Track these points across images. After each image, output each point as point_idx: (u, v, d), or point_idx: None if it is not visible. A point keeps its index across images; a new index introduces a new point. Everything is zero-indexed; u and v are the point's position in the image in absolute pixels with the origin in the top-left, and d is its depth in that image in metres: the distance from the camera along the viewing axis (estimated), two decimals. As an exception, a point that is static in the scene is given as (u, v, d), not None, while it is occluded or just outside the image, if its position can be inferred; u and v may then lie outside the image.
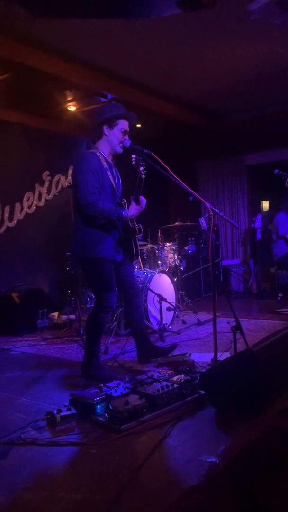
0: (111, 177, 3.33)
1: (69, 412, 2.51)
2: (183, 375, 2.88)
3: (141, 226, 3.45)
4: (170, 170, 3.11)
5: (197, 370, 3.17)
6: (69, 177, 6.32)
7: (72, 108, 5.57)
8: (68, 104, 5.49)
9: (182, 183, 3.09)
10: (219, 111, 6.74)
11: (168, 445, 2.20)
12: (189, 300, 5.77)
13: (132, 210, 3.29)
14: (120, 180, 3.50)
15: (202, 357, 3.63)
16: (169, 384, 2.70)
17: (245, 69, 5.15)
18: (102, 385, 2.77)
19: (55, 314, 5.58)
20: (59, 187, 6.25)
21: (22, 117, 5.62)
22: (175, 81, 5.45)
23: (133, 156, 3.20)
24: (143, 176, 3.18)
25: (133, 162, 3.19)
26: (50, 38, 4.07)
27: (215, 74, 5.28)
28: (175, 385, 2.70)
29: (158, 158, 3.13)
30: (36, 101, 5.35)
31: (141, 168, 3.17)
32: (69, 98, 5.37)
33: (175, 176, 3.12)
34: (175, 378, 2.82)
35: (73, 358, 4.12)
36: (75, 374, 3.47)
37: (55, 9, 1.40)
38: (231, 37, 4.30)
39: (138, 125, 6.19)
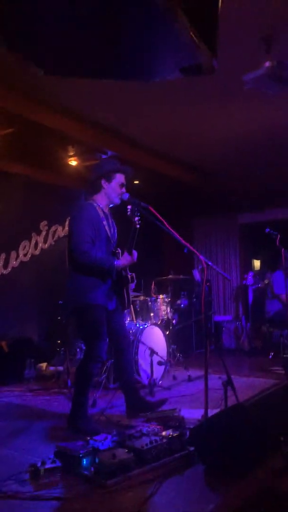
0: (106, 227, 3.43)
1: (53, 465, 2.42)
2: (172, 431, 2.80)
3: (134, 275, 3.51)
4: (165, 223, 3.21)
5: (187, 426, 3.09)
6: (66, 228, 6.45)
7: (73, 162, 5.78)
8: (70, 159, 5.71)
9: (177, 235, 3.18)
10: (215, 171, 7.02)
11: (156, 503, 2.12)
12: (180, 355, 5.70)
13: (123, 260, 3.37)
14: (115, 230, 3.60)
15: (192, 414, 3.54)
16: (158, 438, 2.63)
17: (240, 132, 5.44)
18: (88, 438, 2.68)
19: (43, 365, 5.47)
20: (56, 237, 6.35)
21: (24, 169, 5.82)
22: (173, 141, 5.73)
23: (129, 206, 3.33)
24: (138, 225, 3.30)
25: (128, 213, 3.31)
26: (56, 95, 4.32)
27: (212, 136, 5.56)
28: (164, 440, 2.62)
29: (154, 211, 3.24)
30: (38, 154, 5.57)
31: (136, 218, 3.29)
32: (71, 153, 5.60)
33: (170, 229, 3.21)
34: (164, 433, 2.75)
35: (59, 410, 3.99)
36: (61, 426, 3.36)
37: (64, 68, 1.53)
38: (228, 102, 4.58)
39: (136, 182, 6.43)
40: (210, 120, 5.07)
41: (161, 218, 3.19)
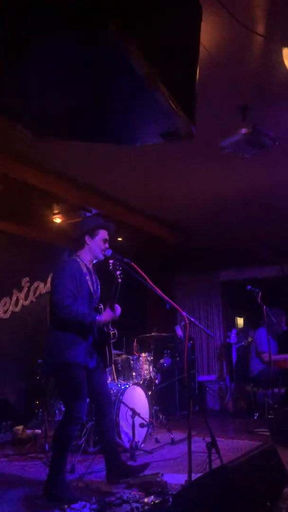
0: (89, 282, 3.44)
1: (26, 538, 2.25)
2: (154, 497, 2.67)
3: (115, 331, 3.48)
4: (148, 279, 3.24)
5: (170, 492, 2.94)
6: (48, 284, 6.42)
7: (57, 220, 5.89)
8: (54, 216, 5.82)
9: (159, 291, 3.20)
10: (197, 230, 7.21)
11: None
12: (163, 417, 5.52)
13: (105, 315, 3.35)
14: (98, 286, 3.61)
15: (176, 479, 3.38)
16: (139, 505, 2.50)
17: (220, 193, 5.66)
18: (66, 506, 2.54)
19: (20, 427, 5.21)
20: (37, 293, 6.30)
21: (8, 226, 5.87)
22: (156, 201, 5.92)
23: (111, 261, 3.38)
24: (119, 280, 3.32)
25: (111, 267, 3.35)
26: (42, 156, 4.48)
27: (193, 197, 5.77)
28: (146, 507, 2.49)
29: (137, 267, 3.28)
30: (23, 212, 5.66)
31: (118, 272, 3.32)
32: (56, 211, 5.71)
33: (152, 285, 3.24)
34: (146, 500, 2.61)
35: (36, 476, 3.77)
36: (37, 494, 3.16)
37: (52, 132, 1.61)
38: (209, 165, 4.81)
39: (119, 239, 6.54)
40: (191, 181, 5.29)
41: (143, 274, 3.22)
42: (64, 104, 1.55)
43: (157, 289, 3.22)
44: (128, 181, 5.25)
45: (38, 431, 5.14)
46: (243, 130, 3.39)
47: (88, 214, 5.77)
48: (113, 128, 1.73)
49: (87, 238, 3.52)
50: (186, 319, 3.12)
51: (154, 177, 5.15)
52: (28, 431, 5.17)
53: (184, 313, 3.15)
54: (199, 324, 3.32)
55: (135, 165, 4.77)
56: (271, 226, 6.73)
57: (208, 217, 6.54)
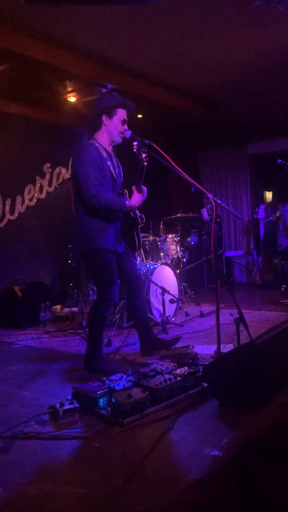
0: (111, 167, 3.30)
1: (71, 406, 2.50)
2: (186, 368, 2.86)
3: (143, 215, 3.42)
4: (171, 161, 3.07)
5: (200, 363, 3.15)
6: (70, 169, 6.29)
7: (72, 99, 5.52)
8: (68, 95, 5.44)
9: (184, 173, 3.05)
10: (221, 100, 6.67)
11: (171, 438, 2.19)
12: (192, 292, 5.74)
13: (134, 200, 3.27)
14: (121, 170, 3.47)
15: (205, 349, 3.61)
16: (172, 377, 2.68)
17: (247, 57, 5.08)
18: (104, 378, 2.75)
19: (58, 307, 5.57)
20: (60, 179, 6.21)
21: (22, 109, 5.58)
22: (176, 70, 5.39)
23: (135, 143, 3.17)
24: (145, 163, 3.15)
25: (135, 150, 3.16)
26: (49, 27, 4.02)
27: (216, 63, 5.21)
28: (178, 378, 2.68)
29: (159, 149, 3.09)
30: (35, 92, 5.30)
31: (143, 155, 3.14)
32: (69, 89, 5.32)
33: (177, 167, 3.08)
34: (178, 371, 2.80)
35: (75, 351, 4.11)
36: (78, 367, 3.46)
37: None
38: (233, 24, 4.24)
39: (139, 116, 6.15)
40: (215, 45, 4.71)
41: (166, 155, 3.04)
42: None
43: (181, 171, 3.06)
44: (146, 49, 4.72)
45: (75, 309, 5.50)
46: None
47: (104, 90, 5.35)
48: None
49: (104, 117, 3.28)
50: (212, 201, 3.01)
51: (175, 43, 4.59)
52: (66, 310, 5.54)
53: (209, 195, 3.03)
54: (226, 206, 3.20)
55: (154, 31, 4.24)
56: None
57: (234, 85, 5.97)
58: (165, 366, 2.95)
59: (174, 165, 3.06)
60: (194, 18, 4.02)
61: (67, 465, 2.02)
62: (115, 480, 1.83)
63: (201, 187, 3.09)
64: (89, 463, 2.00)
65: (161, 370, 2.85)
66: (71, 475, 1.92)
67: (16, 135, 5.63)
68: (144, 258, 5.24)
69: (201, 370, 2.81)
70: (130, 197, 3.32)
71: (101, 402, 2.51)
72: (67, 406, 2.49)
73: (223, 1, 3.60)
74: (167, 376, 2.70)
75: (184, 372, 2.76)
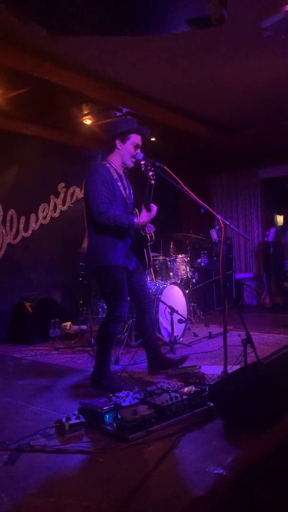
0: (121, 188, 3.40)
1: (78, 421, 2.53)
2: (192, 387, 2.87)
3: (152, 233, 3.49)
4: (181, 183, 3.15)
5: (207, 382, 3.16)
6: (83, 189, 6.42)
7: (88, 121, 5.67)
8: (84, 117, 5.60)
9: (193, 195, 3.12)
10: (234, 125, 6.80)
11: (176, 455, 2.20)
12: (201, 313, 5.76)
13: (143, 217, 3.34)
14: (131, 191, 3.56)
15: (213, 370, 3.62)
16: (178, 395, 2.70)
17: (260, 84, 5.20)
18: (111, 394, 2.78)
19: (67, 324, 5.62)
20: (74, 198, 6.35)
21: (39, 130, 5.75)
22: (190, 96, 5.53)
23: (142, 162, 3.27)
24: (152, 181, 3.24)
25: (142, 168, 3.26)
26: (68, 53, 4.18)
27: (230, 89, 5.34)
28: (184, 397, 2.70)
29: (169, 171, 3.18)
30: (52, 114, 5.47)
31: (150, 173, 3.22)
32: (85, 112, 5.48)
33: (186, 189, 3.16)
34: (184, 390, 2.82)
35: (83, 367, 4.14)
36: (85, 383, 3.49)
37: (65, 27, 1.46)
38: (246, 53, 4.37)
39: (153, 139, 6.29)
40: (228, 72, 4.85)
41: (176, 177, 3.12)
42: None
43: (190, 193, 3.14)
44: (161, 75, 4.87)
45: (84, 326, 5.54)
46: (287, 8, 2.98)
47: (118, 113, 5.51)
48: (139, 17, 1.55)
49: (117, 142, 3.39)
50: (221, 222, 3.07)
51: (189, 70, 4.74)
52: (75, 327, 5.59)
53: (219, 216, 3.10)
54: (235, 227, 3.26)
55: (168, 58, 4.39)
56: None
57: (248, 110, 6.09)
58: (171, 384, 2.97)
59: (184, 187, 3.14)
60: (208, 45, 4.16)
61: (72, 478, 2.04)
62: (119, 494, 1.85)
63: (210, 209, 3.16)
64: (94, 477, 2.02)
65: (167, 388, 2.87)
66: (76, 488, 1.94)
67: (32, 155, 5.80)
68: (153, 277, 5.29)
69: (207, 389, 2.83)
70: (140, 215, 3.40)
71: (107, 417, 2.53)
72: (73, 421, 2.52)
73: (236, 30, 3.72)
74: (173, 394, 2.72)
75: (191, 391, 2.78)
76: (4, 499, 1.84)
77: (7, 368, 4.27)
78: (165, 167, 3.16)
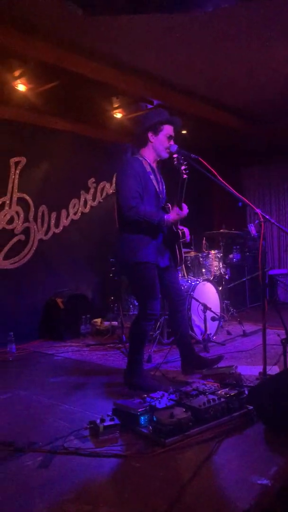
0: (154, 182, 3.29)
1: (112, 422, 2.45)
2: (230, 389, 2.75)
3: (185, 229, 3.37)
4: (218, 176, 3.02)
5: (245, 384, 3.03)
6: (114, 184, 6.35)
7: (118, 115, 5.58)
8: (115, 111, 5.51)
9: (231, 188, 2.98)
10: (267, 116, 6.56)
11: (215, 463, 2.09)
12: (234, 310, 5.60)
13: (173, 214, 3.22)
14: (164, 186, 3.45)
15: (249, 370, 3.48)
16: (215, 397, 2.59)
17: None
18: (145, 395, 2.69)
19: (98, 320, 5.58)
20: (104, 194, 6.28)
21: (69, 125, 5.70)
22: (222, 86, 5.35)
23: (175, 156, 3.14)
24: (185, 176, 3.10)
25: (175, 162, 3.12)
26: (98, 45, 4.10)
27: (263, 78, 5.14)
28: (222, 399, 2.58)
29: (205, 163, 3.04)
30: (83, 108, 5.41)
31: (183, 168, 3.09)
32: (116, 105, 5.39)
33: (223, 182, 3.02)
34: (221, 392, 2.70)
35: (115, 365, 4.07)
36: (118, 382, 3.42)
37: (100, 5, 1.37)
38: (279, 39, 4.16)
39: (184, 132, 6.14)
40: (261, 60, 4.64)
41: (212, 170, 2.99)
42: None
43: (228, 186, 3.00)
44: (192, 65, 4.72)
45: (115, 323, 5.48)
46: None
47: (149, 106, 5.39)
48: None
49: (150, 135, 3.28)
50: (261, 216, 2.92)
51: (221, 58, 4.57)
52: (106, 323, 5.54)
53: (258, 210, 2.95)
54: (275, 221, 3.10)
55: (200, 46, 4.23)
56: None
57: (281, 100, 5.85)
58: (207, 386, 2.85)
59: (221, 179, 3.01)
60: (240, 32, 3.98)
61: (107, 485, 1.96)
62: (156, 505, 1.76)
63: (249, 202, 3.02)
64: (130, 484, 1.93)
65: (203, 390, 2.76)
66: (111, 496, 1.86)
67: (63, 150, 5.76)
68: (185, 274, 5.17)
69: (245, 392, 2.70)
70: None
71: (142, 420, 2.45)
72: (107, 422, 2.44)
73: (269, 15, 3.54)
74: (210, 396, 2.61)
75: (228, 394, 2.66)
76: (39, 505, 1.78)
77: (39, 365, 4.25)
78: (200, 159, 3.03)
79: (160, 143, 3.26)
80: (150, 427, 2.39)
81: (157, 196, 3.31)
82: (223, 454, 2.16)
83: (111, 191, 6.28)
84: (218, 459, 2.12)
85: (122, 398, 2.78)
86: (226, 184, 3.00)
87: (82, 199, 6.03)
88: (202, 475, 1.97)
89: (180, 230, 3.37)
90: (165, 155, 3.29)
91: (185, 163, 3.07)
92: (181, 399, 2.61)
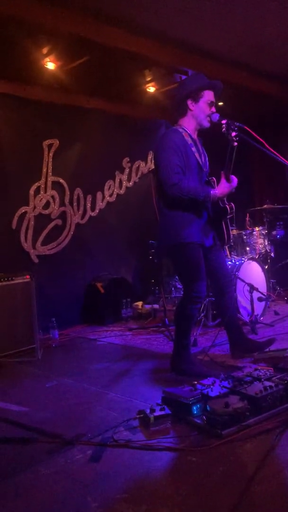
0: (196, 154, 3.05)
1: (163, 412, 2.31)
2: (286, 374, 2.55)
3: (233, 205, 3.13)
4: (266, 145, 2.76)
5: (302, 368, 2.82)
6: (149, 163, 6.14)
7: (151, 89, 5.34)
8: (147, 85, 5.27)
9: (281, 157, 2.73)
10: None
11: (279, 457, 1.92)
12: (281, 289, 5.33)
13: (221, 188, 2.99)
14: (206, 157, 3.21)
15: (304, 353, 3.26)
16: (272, 384, 2.40)
17: None
18: (195, 382, 2.54)
19: (139, 303, 5.46)
20: (139, 173, 6.08)
21: (101, 103, 5.51)
22: (262, 52, 4.99)
23: (223, 121, 2.89)
24: (235, 143, 2.85)
25: (223, 129, 2.87)
26: (128, 14, 3.87)
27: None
28: (280, 386, 2.39)
29: (252, 132, 2.79)
30: (114, 84, 5.20)
31: (233, 134, 2.83)
32: (148, 79, 5.15)
33: (273, 151, 2.77)
34: (277, 378, 2.51)
35: (160, 350, 3.95)
36: (164, 368, 3.28)
37: None
38: None
39: (220, 103, 5.82)
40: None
41: (261, 139, 2.73)
42: None
43: (278, 155, 2.75)
44: (227, 30, 4.39)
45: (156, 306, 5.35)
46: None
47: (184, 77, 5.10)
48: None
49: (189, 102, 3.04)
50: None
51: (259, 23, 4.22)
52: (147, 306, 5.41)
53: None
54: None
55: (236, 11, 3.91)
56: None
57: None
58: (262, 371, 2.66)
59: (270, 148, 2.75)
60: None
61: (164, 481, 1.82)
62: (220, 505, 1.61)
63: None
64: (188, 481, 1.79)
65: (258, 376, 2.57)
66: (169, 494, 1.72)
67: (94, 130, 5.59)
68: (228, 253, 4.94)
69: (305, 377, 2.50)
70: (218, 185, 3.06)
71: (195, 409, 2.30)
72: (158, 413, 2.31)
73: None
74: (266, 383, 2.42)
75: (286, 379, 2.46)
76: (92, 505, 1.67)
77: (82, 351, 4.18)
78: (246, 127, 2.78)
79: (201, 111, 3.02)
80: (204, 417, 2.23)
81: (200, 169, 3.08)
82: (286, 446, 1.98)
83: (146, 170, 6.07)
84: (282, 453, 1.94)
85: (171, 385, 2.64)
86: (276, 153, 2.75)
87: (117, 180, 5.86)
88: (266, 472, 1.79)
89: (227, 204, 3.14)
90: (206, 124, 3.05)
91: (235, 129, 2.81)
92: (235, 386, 2.44)
